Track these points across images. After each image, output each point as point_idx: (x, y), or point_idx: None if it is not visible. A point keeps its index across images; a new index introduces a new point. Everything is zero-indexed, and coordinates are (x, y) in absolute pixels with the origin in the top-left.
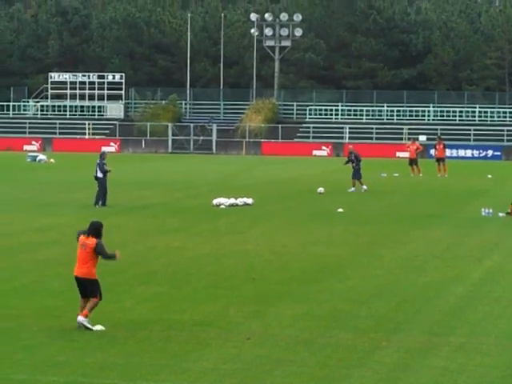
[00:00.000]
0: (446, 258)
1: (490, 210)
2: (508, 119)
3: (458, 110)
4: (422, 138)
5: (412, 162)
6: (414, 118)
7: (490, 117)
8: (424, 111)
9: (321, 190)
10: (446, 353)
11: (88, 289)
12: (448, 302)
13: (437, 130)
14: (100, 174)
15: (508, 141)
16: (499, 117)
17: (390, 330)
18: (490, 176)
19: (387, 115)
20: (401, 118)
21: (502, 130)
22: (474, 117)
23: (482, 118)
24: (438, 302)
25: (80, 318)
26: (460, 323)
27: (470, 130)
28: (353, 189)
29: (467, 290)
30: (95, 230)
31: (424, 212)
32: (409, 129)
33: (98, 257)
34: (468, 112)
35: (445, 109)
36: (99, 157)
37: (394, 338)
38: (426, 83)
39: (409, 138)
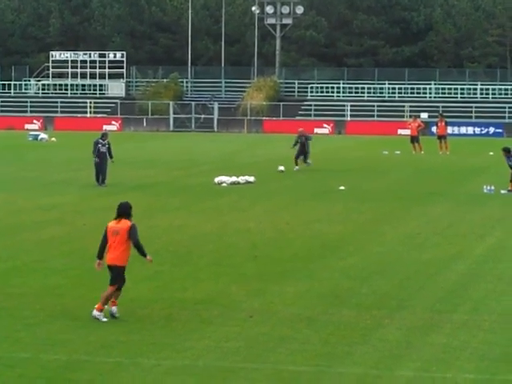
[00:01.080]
0: (448, 235)
1: (492, 187)
2: (509, 96)
3: (459, 87)
4: (424, 115)
5: (413, 139)
6: (415, 95)
7: (492, 94)
8: (425, 88)
9: (281, 168)
10: (448, 330)
11: (112, 274)
12: (450, 280)
13: (438, 107)
14: (95, 153)
15: (510, 118)
16: (500, 94)
17: (392, 307)
18: (491, 153)
19: (389, 93)
20: (402, 95)
21: (504, 107)
22: (476, 94)
23: (484, 96)
24: (440, 279)
25: (94, 312)
26: (462, 300)
27: (471, 107)
28: (297, 167)
29: (469, 267)
30: (125, 211)
31: (426, 189)
32: (410, 106)
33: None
34: (469, 89)
35: (446, 86)
36: (100, 136)
37: (396, 315)
38: (427, 61)
39: (410, 116)
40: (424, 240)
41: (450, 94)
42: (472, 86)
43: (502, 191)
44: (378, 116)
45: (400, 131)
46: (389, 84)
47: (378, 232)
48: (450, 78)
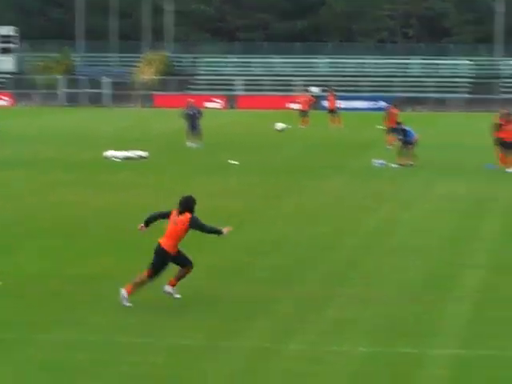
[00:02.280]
0: (341, 209)
1: (382, 161)
2: (399, 70)
3: (350, 61)
4: (315, 89)
5: (303, 113)
6: (306, 69)
7: (382, 68)
8: (317, 63)
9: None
10: (341, 303)
11: (179, 262)
12: (343, 253)
13: (330, 81)
14: None
15: (399, 91)
16: (391, 68)
17: (286, 281)
18: (380, 127)
19: (280, 67)
20: (293, 69)
21: (393, 82)
22: (366, 68)
23: (375, 69)
24: (333, 252)
25: (166, 288)
26: (354, 274)
27: (362, 81)
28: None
29: (362, 240)
30: (188, 205)
31: (318, 163)
32: (302, 80)
33: (186, 234)
34: (360, 64)
35: (338, 60)
36: None
37: (289, 289)
38: (318, 35)
39: (301, 90)
40: (317, 214)
41: (341, 68)
42: (362, 61)
43: (393, 165)
44: (270, 90)
45: (291, 105)
46: (280, 58)
47: (272, 206)
48: (341, 52)
